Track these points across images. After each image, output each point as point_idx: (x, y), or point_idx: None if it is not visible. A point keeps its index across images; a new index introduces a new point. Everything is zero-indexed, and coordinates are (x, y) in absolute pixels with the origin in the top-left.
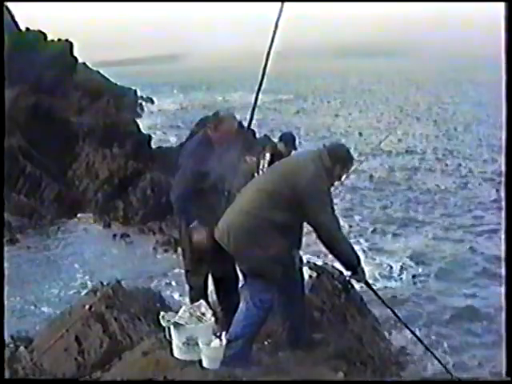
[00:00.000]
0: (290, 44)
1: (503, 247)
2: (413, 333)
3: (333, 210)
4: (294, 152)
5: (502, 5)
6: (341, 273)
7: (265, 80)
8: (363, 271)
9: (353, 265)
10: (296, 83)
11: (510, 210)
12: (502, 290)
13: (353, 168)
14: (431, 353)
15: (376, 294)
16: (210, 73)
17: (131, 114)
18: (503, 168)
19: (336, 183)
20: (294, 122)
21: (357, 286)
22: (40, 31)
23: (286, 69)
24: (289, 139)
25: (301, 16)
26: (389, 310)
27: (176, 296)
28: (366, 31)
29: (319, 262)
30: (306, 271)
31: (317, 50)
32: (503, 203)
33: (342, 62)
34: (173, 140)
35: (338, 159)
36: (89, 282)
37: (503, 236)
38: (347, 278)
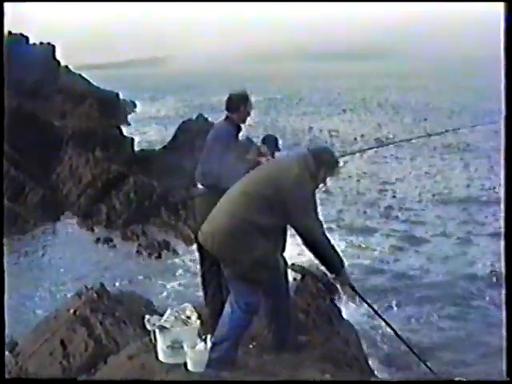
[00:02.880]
0: (279, 47)
1: (503, 250)
2: (397, 335)
3: (317, 214)
4: (277, 154)
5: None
6: (325, 274)
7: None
8: (346, 274)
9: (337, 268)
10: (285, 85)
11: (509, 214)
12: None
13: (337, 171)
14: (415, 354)
15: (361, 296)
16: (191, 76)
17: (114, 118)
18: (503, 172)
19: (320, 186)
20: (278, 123)
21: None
22: (22, 34)
23: (276, 71)
24: (272, 141)
25: (290, 20)
26: None
27: (161, 299)
28: (353, 34)
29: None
30: (291, 273)
31: (305, 53)
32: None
33: (331, 65)
34: (155, 143)
35: (323, 162)
36: (73, 286)
37: (503, 237)
38: (331, 281)
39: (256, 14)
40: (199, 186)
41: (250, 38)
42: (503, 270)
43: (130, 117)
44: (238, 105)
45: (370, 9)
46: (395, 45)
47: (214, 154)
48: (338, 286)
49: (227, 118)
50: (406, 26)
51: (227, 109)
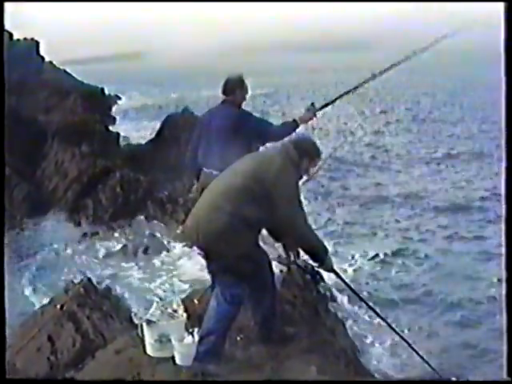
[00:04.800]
0: (267, 39)
1: (503, 249)
2: (389, 325)
3: (301, 204)
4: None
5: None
6: (310, 264)
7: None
8: (330, 261)
9: (321, 256)
10: (274, 78)
11: (509, 213)
12: None
13: (320, 162)
14: (411, 347)
15: (346, 283)
16: (173, 70)
17: (99, 112)
18: (503, 172)
19: (304, 177)
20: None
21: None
22: (6, 30)
23: (264, 63)
24: None
25: (274, 14)
26: None
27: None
28: (340, 26)
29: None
30: (277, 265)
31: (292, 46)
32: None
33: (317, 57)
34: (140, 138)
35: (305, 152)
36: (60, 281)
37: (503, 237)
38: (315, 269)
39: (241, 9)
40: (206, 170)
41: (235, 32)
42: (503, 269)
43: (114, 111)
44: (234, 88)
45: (356, 3)
46: (381, 38)
47: (227, 138)
48: (322, 272)
49: (224, 101)
50: (394, 19)
51: (223, 92)
